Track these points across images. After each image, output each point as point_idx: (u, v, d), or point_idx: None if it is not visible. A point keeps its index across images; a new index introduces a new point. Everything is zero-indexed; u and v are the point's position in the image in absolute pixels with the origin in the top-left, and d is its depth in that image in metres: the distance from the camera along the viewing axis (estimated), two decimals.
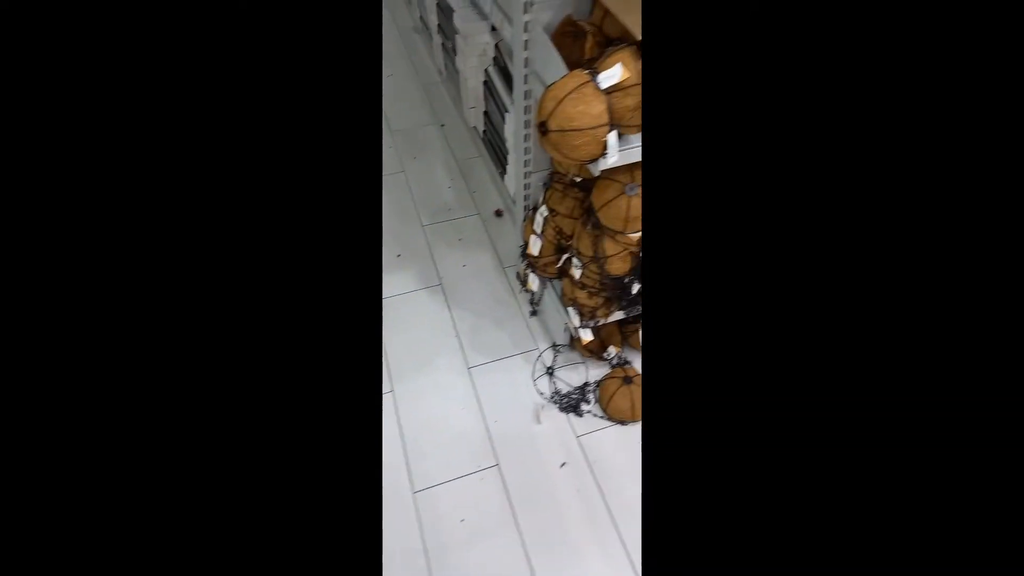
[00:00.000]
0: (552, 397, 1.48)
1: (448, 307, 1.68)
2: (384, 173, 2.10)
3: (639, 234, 1.24)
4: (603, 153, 0.98)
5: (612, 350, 1.52)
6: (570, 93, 0.95)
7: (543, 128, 0.97)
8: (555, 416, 1.45)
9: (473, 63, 1.82)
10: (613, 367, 1.51)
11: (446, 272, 1.78)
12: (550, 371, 1.53)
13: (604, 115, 0.95)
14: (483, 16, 1.75)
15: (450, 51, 2.08)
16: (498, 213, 1.94)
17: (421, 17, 2.45)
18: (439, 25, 2.11)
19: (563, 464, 1.37)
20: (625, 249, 1.27)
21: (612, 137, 0.97)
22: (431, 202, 2.00)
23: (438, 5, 2.03)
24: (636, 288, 1.40)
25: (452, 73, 2.15)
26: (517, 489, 1.33)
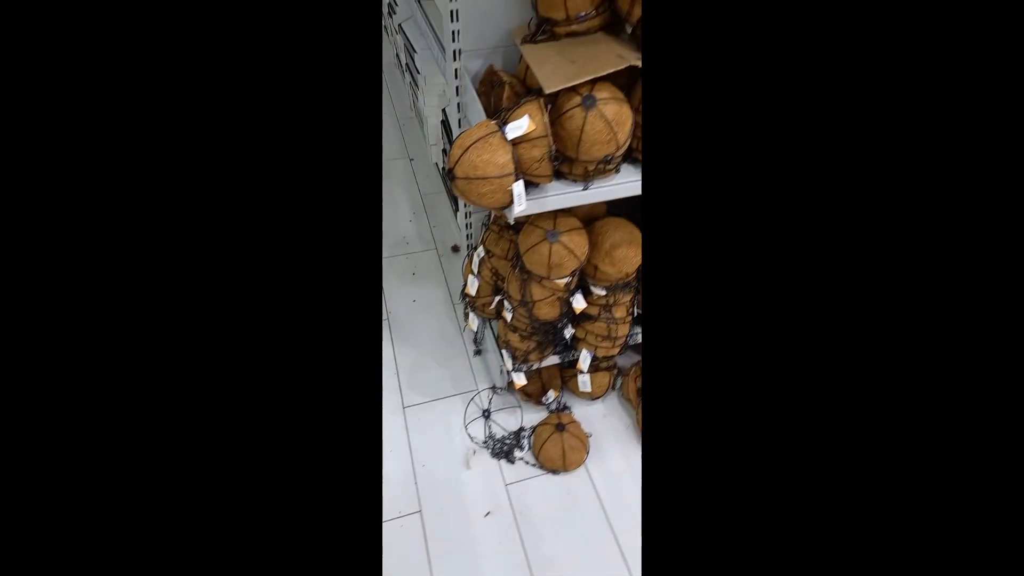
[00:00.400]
0: (485, 442, 1.45)
1: (392, 343, 1.67)
2: None
3: (565, 279, 1.23)
4: (510, 202, 0.98)
5: (551, 394, 1.49)
6: (476, 142, 0.95)
7: (450, 175, 0.97)
8: (486, 462, 1.42)
9: (433, 102, 1.86)
10: (551, 412, 1.48)
11: (396, 306, 1.77)
12: (486, 414, 1.50)
13: (509, 165, 0.95)
14: None
15: (415, 90, 2.12)
16: (455, 248, 1.94)
17: (397, 54, 2.51)
18: (407, 64, 2.16)
19: (487, 513, 1.32)
20: (552, 294, 1.26)
21: (518, 187, 0.96)
22: (390, 235, 2.00)
23: (406, 45, 2.08)
24: (569, 332, 1.38)
25: (419, 111, 2.19)
26: (437, 538, 1.28)
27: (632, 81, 1.04)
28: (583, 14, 1.01)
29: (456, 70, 1.19)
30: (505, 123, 0.96)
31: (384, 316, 1.74)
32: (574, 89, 0.97)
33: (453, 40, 1.15)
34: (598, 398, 1.52)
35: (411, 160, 2.31)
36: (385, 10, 2.36)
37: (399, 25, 2.09)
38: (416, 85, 2.02)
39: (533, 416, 1.49)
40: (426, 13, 1.77)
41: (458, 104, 1.25)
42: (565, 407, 1.51)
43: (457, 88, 1.23)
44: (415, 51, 1.88)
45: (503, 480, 1.38)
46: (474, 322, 1.53)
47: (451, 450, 1.43)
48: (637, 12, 0.94)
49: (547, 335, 1.35)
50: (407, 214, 2.09)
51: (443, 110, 1.82)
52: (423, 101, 1.90)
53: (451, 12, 1.12)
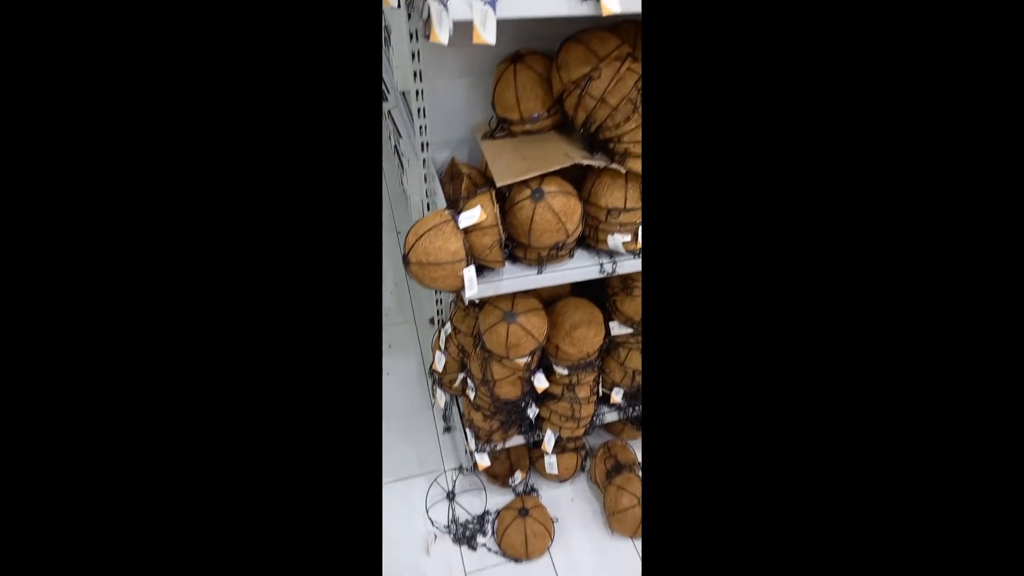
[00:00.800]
0: (447, 526, 1.40)
1: None
2: None
3: (524, 359, 1.24)
4: (463, 286, 1.01)
5: (518, 475, 1.46)
6: (430, 230, 1.00)
7: (405, 260, 1.01)
8: (447, 548, 1.36)
9: (415, 182, 1.95)
10: (516, 495, 1.44)
11: None
12: (450, 496, 1.46)
13: (460, 251, 0.99)
14: None
15: (401, 170, 2.24)
16: (431, 321, 1.97)
17: (389, 136, 2.67)
18: (395, 146, 2.30)
19: None
20: (513, 373, 1.26)
21: (468, 272, 1.00)
22: None
23: (394, 129, 2.22)
24: (533, 412, 1.37)
25: (404, 189, 2.30)
26: None
27: (583, 174, 1.11)
28: (535, 115, 1.10)
29: (424, 160, 1.27)
30: (459, 212, 1.02)
31: None
32: (525, 183, 1.04)
33: (421, 134, 1.24)
34: (566, 480, 1.48)
35: (398, 233, 2.39)
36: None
37: (388, 111, 2.24)
38: (402, 166, 2.14)
39: (500, 499, 1.45)
40: (408, 104, 1.91)
41: (426, 190, 1.32)
42: (532, 489, 1.46)
43: (425, 176, 1.30)
44: (400, 136, 2.00)
45: (464, 568, 1.32)
46: (441, 399, 1.52)
47: (412, 534, 1.38)
48: (581, 116, 1.02)
49: (510, 414, 1.34)
50: (389, 286, 2.13)
51: (426, 190, 1.91)
52: (407, 181, 2.00)
53: (419, 109, 1.21)
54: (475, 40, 0.78)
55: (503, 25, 0.79)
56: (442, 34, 0.79)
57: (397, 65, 1.59)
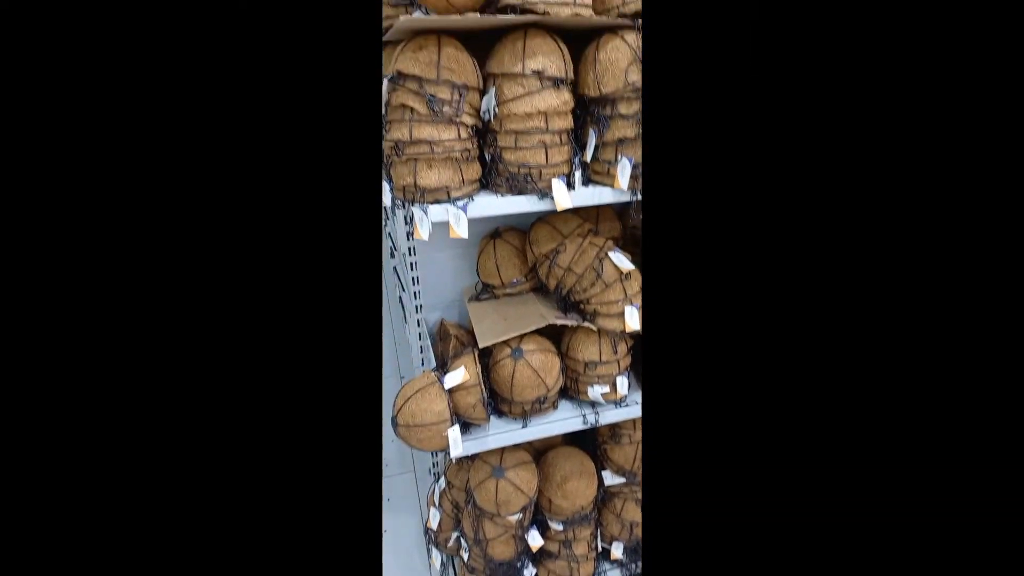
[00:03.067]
0: None
1: None
2: None
3: (517, 516, 1.22)
4: (447, 446, 1.05)
5: None
6: (417, 392, 1.07)
7: (394, 422, 1.07)
8: None
9: (414, 335, 2.08)
10: None
11: None
12: None
13: (445, 412, 1.05)
14: None
15: (404, 321, 2.39)
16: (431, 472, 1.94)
17: (396, 287, 2.88)
18: (399, 297, 2.47)
19: None
20: (506, 532, 1.23)
21: (453, 432, 1.05)
22: None
23: (398, 281, 2.41)
24: (530, 573, 1.31)
25: (406, 336, 2.42)
26: None
27: (560, 330, 1.21)
28: (515, 280, 1.23)
29: (418, 320, 1.39)
30: (445, 373, 1.10)
31: None
32: (506, 342, 1.13)
33: (414, 298, 1.37)
34: None
35: (401, 378, 2.46)
36: (387, 253, 2.79)
37: (394, 268, 2.45)
38: (405, 318, 2.29)
39: None
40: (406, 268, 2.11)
41: (420, 347, 1.42)
42: None
43: (420, 334, 1.41)
44: (403, 290, 2.17)
45: None
46: (437, 559, 1.45)
47: None
48: (552, 283, 1.15)
49: None
50: (389, 434, 2.14)
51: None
52: (409, 330, 2.13)
53: (412, 278, 1.36)
54: (452, 235, 0.93)
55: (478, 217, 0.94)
56: (424, 232, 0.94)
57: (398, 231, 1.81)
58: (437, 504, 1.43)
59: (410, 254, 1.31)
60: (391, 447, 2.07)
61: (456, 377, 1.08)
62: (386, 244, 2.77)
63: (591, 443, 1.37)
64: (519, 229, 1.27)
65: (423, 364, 1.44)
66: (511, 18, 0.89)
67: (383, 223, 2.78)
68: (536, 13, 0.89)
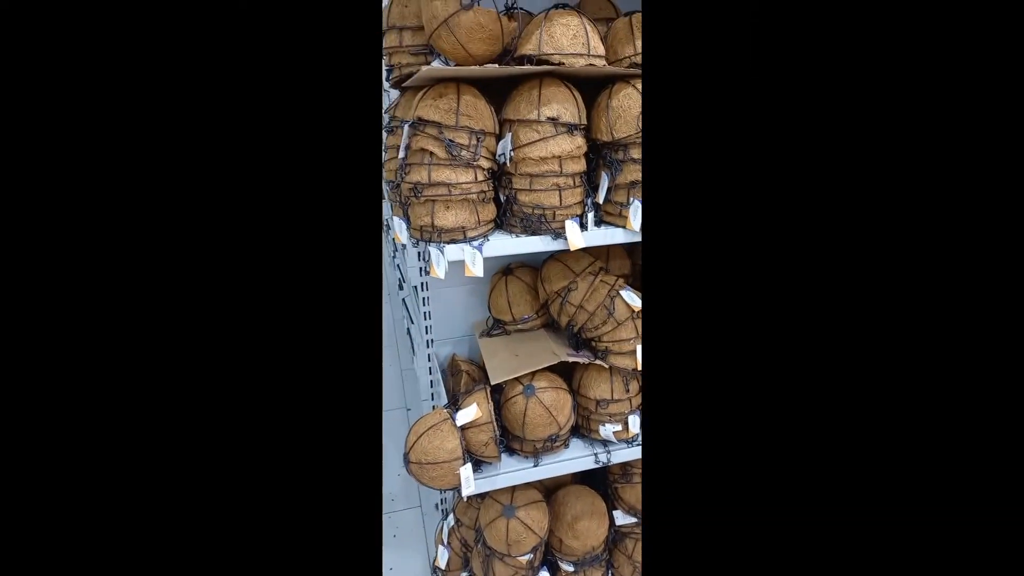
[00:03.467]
0: None
1: None
2: None
3: (528, 556, 1.20)
4: (459, 484, 1.05)
5: None
6: (429, 429, 1.07)
7: (406, 460, 1.07)
8: None
9: (423, 362, 2.08)
10: None
11: None
12: None
13: (457, 450, 1.05)
14: None
15: (412, 352, 2.39)
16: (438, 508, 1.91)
17: (403, 316, 2.89)
18: (408, 329, 2.49)
19: None
20: (516, 573, 1.21)
21: (465, 471, 1.04)
22: None
23: (407, 313, 2.43)
24: None
25: (414, 368, 2.42)
26: None
27: (572, 367, 1.21)
28: (526, 316, 1.24)
29: (428, 355, 1.40)
30: (457, 410, 1.10)
31: None
32: (517, 379, 1.13)
33: (426, 332, 1.38)
34: None
35: (408, 410, 2.45)
36: (395, 285, 2.82)
37: (403, 300, 2.47)
38: (413, 349, 2.29)
39: None
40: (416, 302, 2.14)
41: (431, 381, 1.42)
42: None
43: (430, 368, 1.41)
44: (412, 322, 2.18)
45: None
46: None
47: None
48: (564, 320, 1.16)
49: None
50: (396, 467, 2.12)
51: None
52: (417, 363, 2.13)
53: (424, 313, 1.37)
54: (467, 274, 0.95)
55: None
56: (440, 271, 0.96)
57: (409, 266, 1.83)
58: (446, 542, 1.40)
59: (422, 289, 1.33)
60: (396, 481, 2.04)
61: (468, 414, 1.08)
62: (395, 276, 2.80)
63: (601, 482, 1.36)
64: (530, 266, 1.29)
65: (433, 398, 1.44)
66: (528, 68, 0.93)
67: (392, 256, 2.81)
68: (552, 63, 0.92)
